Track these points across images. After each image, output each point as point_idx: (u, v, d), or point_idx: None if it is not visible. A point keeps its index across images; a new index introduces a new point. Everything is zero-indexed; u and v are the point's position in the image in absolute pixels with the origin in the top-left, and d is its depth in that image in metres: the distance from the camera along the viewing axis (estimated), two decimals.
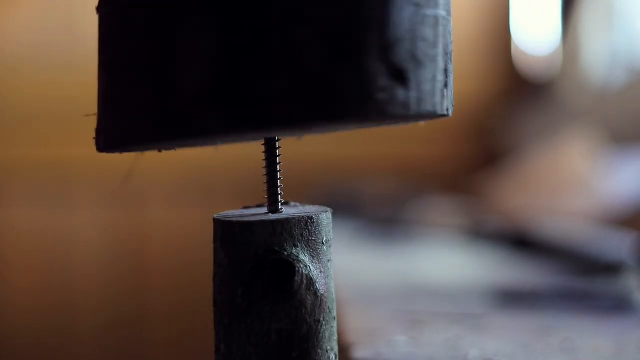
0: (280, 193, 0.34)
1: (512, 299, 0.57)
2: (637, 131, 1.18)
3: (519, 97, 1.80)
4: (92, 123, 0.32)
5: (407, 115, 0.28)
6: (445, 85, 0.30)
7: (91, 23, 0.31)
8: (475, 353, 0.41)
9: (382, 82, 0.27)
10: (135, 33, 0.29)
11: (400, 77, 0.28)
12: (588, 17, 1.54)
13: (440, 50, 0.29)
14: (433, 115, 0.30)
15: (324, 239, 0.32)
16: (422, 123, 0.33)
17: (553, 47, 1.73)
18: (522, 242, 0.83)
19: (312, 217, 0.32)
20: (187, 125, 0.28)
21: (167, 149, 0.33)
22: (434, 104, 0.29)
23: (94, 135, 0.32)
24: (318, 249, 0.32)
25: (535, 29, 1.82)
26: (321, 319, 0.32)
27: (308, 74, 0.27)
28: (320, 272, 0.32)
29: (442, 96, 0.30)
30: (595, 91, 1.44)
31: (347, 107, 0.27)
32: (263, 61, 0.27)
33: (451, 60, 0.31)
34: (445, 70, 0.30)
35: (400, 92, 0.28)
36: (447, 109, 0.30)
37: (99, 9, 0.31)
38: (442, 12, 0.29)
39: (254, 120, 0.27)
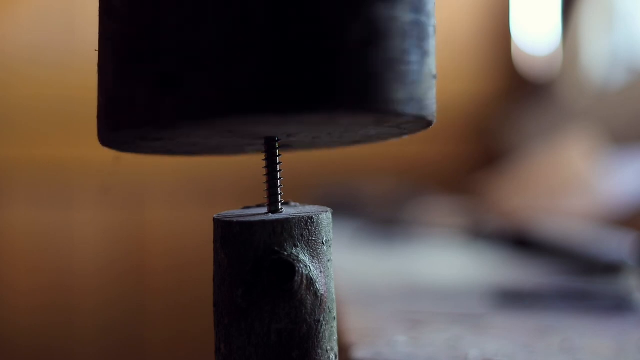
0: (280, 193, 0.34)
1: (512, 299, 0.57)
2: (637, 131, 1.18)
3: (519, 97, 1.80)
4: (92, 123, 0.32)
5: (183, 119, 0.27)
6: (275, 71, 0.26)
7: (91, 23, 0.31)
8: (475, 353, 0.41)
9: (151, 90, 0.27)
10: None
11: (170, 82, 0.27)
12: (588, 17, 1.54)
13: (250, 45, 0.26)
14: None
15: (324, 239, 0.32)
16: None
17: (553, 47, 1.73)
18: (522, 242, 0.83)
19: (312, 217, 0.32)
20: (101, 136, 0.31)
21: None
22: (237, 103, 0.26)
23: (102, 135, 0.32)
24: (318, 249, 0.32)
25: (535, 29, 1.82)
26: (321, 319, 0.32)
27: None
28: (320, 272, 0.32)
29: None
30: (595, 91, 1.44)
31: (125, 117, 0.28)
32: (137, 71, 0.28)
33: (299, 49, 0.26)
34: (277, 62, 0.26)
35: (167, 99, 0.27)
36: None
37: None
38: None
39: (132, 128, 0.29)
